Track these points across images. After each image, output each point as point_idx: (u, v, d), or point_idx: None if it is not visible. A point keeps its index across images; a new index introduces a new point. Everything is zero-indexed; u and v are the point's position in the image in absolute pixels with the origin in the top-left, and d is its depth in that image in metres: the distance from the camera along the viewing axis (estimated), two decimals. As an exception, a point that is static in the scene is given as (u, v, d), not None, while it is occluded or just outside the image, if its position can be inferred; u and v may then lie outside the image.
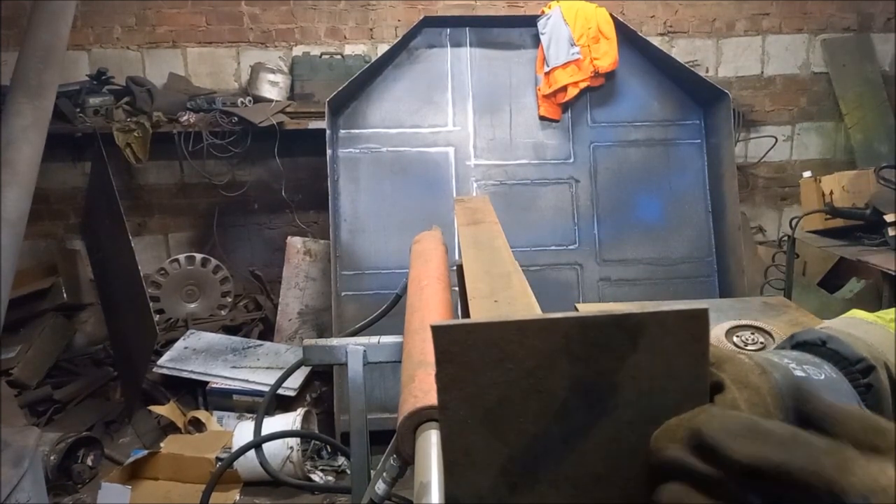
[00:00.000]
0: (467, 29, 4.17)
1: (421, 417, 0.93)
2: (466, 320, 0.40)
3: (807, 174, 4.06)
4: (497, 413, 0.40)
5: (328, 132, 3.91)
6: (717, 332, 1.68)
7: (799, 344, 0.62)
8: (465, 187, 4.09)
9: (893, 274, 3.16)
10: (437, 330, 0.39)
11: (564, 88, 4.07)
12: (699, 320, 0.47)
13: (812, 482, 0.34)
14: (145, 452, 3.37)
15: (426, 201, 3.99)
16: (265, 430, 2.79)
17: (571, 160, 4.18)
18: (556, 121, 4.17)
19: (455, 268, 1.69)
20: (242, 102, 4.52)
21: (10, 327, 3.96)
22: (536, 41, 4.16)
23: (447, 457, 0.40)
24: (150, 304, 3.78)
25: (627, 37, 4.14)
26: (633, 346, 0.48)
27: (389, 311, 2.25)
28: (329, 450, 3.56)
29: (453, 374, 0.39)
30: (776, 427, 0.36)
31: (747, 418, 0.37)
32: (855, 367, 0.57)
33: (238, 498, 3.28)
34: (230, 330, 4.51)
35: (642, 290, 4.05)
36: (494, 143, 4.16)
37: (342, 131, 4.06)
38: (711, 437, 0.36)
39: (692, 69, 4.22)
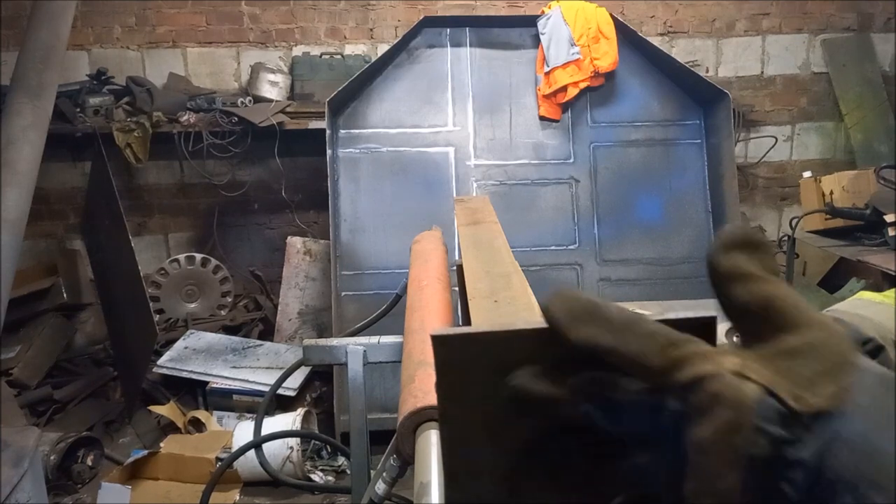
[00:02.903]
0: (467, 29, 4.17)
1: (421, 417, 0.94)
2: (467, 329, 0.39)
3: (807, 174, 4.06)
4: (499, 422, 0.39)
5: (328, 132, 3.91)
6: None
7: None
8: (465, 187, 4.09)
9: (893, 274, 3.16)
10: (436, 339, 0.38)
11: (564, 88, 4.07)
12: (707, 328, 0.46)
13: (639, 367, 0.33)
14: (145, 452, 3.37)
15: (426, 201, 3.99)
16: (265, 430, 2.79)
17: (571, 160, 4.17)
18: (556, 121, 4.17)
19: (455, 268, 1.69)
20: (242, 102, 4.52)
21: (10, 327, 3.96)
22: (536, 41, 4.15)
23: (447, 466, 0.40)
24: (150, 304, 3.78)
25: (627, 37, 4.14)
26: None
27: (389, 311, 2.26)
28: (329, 450, 3.56)
29: (453, 383, 0.39)
30: (615, 311, 0.35)
31: (588, 301, 0.35)
32: (864, 349, 0.56)
33: (238, 498, 3.28)
34: (230, 330, 4.51)
35: (642, 290, 4.05)
36: (494, 143, 4.15)
37: (342, 131, 4.06)
38: (554, 319, 0.35)
39: (692, 69, 4.22)
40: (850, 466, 0.29)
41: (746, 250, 0.35)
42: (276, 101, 4.57)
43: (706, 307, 0.42)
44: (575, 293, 0.36)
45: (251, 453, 2.72)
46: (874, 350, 0.56)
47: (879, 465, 0.28)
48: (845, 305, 0.66)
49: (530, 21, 4.18)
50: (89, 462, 3.41)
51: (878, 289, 3.69)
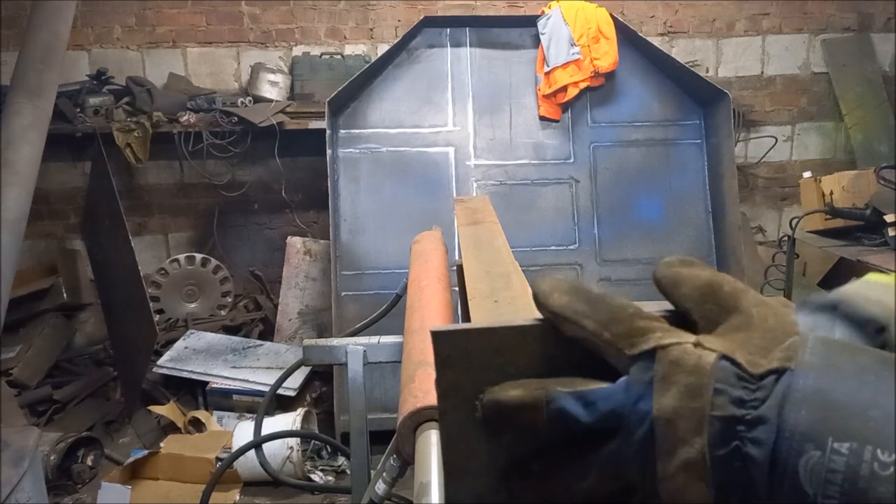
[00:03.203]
0: (467, 29, 4.17)
1: (421, 417, 0.94)
2: (467, 325, 0.39)
3: (807, 174, 4.06)
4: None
5: (328, 132, 3.91)
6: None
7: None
8: (465, 187, 4.09)
9: (893, 274, 3.16)
10: (436, 335, 0.38)
11: (564, 88, 4.07)
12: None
13: (607, 333, 0.35)
14: (145, 452, 3.37)
15: (426, 201, 3.99)
16: (265, 430, 2.79)
17: (571, 160, 4.17)
18: (556, 121, 4.17)
19: (455, 268, 1.69)
20: (242, 102, 4.52)
21: (10, 327, 3.96)
22: (536, 41, 4.15)
23: (447, 462, 0.40)
24: (150, 304, 3.78)
25: (627, 37, 4.14)
26: None
27: (389, 311, 2.26)
28: (329, 450, 3.56)
29: (453, 379, 0.39)
30: (594, 287, 0.38)
31: (573, 280, 0.38)
32: (867, 329, 0.56)
33: (238, 498, 3.28)
34: (230, 330, 4.51)
35: (642, 290, 4.05)
36: (494, 143, 4.15)
37: (342, 131, 4.06)
38: (538, 289, 0.38)
39: (692, 69, 4.22)
40: (813, 420, 0.30)
41: (684, 265, 0.39)
42: (276, 101, 4.57)
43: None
44: (563, 277, 0.39)
45: (251, 453, 2.72)
46: (878, 330, 0.56)
47: (842, 416, 0.30)
48: (852, 287, 0.66)
49: (530, 21, 4.18)
50: (89, 462, 3.41)
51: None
